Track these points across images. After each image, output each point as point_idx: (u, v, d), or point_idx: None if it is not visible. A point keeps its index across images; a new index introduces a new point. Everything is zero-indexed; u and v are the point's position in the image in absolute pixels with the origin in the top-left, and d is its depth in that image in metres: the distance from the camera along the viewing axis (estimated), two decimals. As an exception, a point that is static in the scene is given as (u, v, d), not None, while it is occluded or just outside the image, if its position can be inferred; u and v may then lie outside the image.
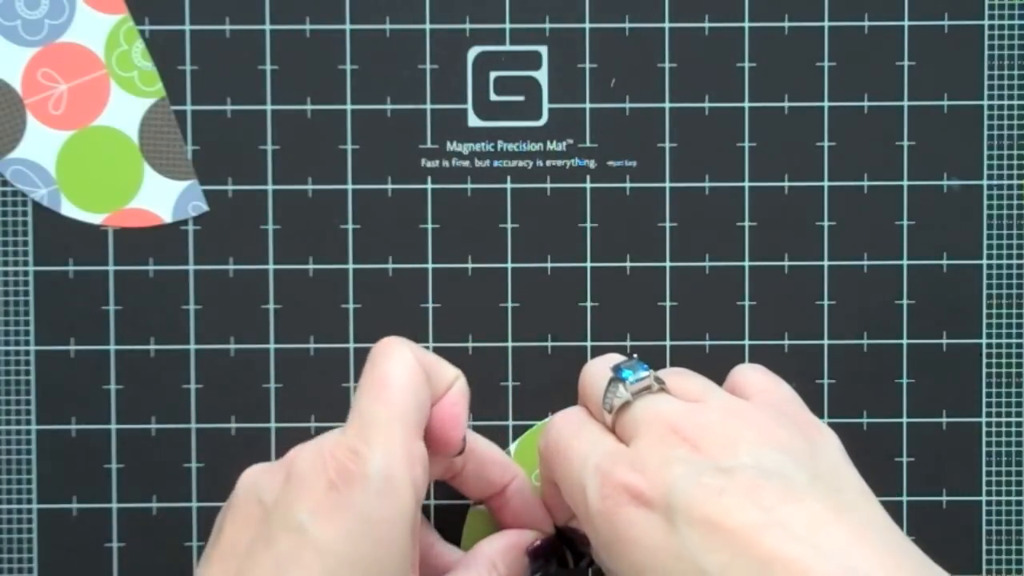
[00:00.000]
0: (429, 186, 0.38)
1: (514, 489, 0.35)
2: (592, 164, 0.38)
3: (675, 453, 0.29)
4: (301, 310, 0.38)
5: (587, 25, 0.38)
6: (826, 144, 0.38)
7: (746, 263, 0.38)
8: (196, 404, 0.38)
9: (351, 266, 0.38)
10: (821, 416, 0.38)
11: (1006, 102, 0.38)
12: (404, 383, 0.30)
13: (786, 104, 0.38)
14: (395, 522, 0.28)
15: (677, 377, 0.33)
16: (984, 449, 0.38)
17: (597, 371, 0.33)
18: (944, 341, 0.38)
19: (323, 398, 0.38)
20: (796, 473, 0.28)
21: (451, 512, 0.38)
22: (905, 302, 0.38)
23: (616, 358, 0.34)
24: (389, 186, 0.38)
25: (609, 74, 0.38)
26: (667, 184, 0.38)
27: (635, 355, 0.33)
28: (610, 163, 0.38)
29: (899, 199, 0.38)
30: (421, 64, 0.38)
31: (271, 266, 0.38)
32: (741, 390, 0.33)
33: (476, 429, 0.38)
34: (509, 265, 0.38)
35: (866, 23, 0.38)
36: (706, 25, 0.38)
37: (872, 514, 0.28)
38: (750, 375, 0.34)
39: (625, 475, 0.29)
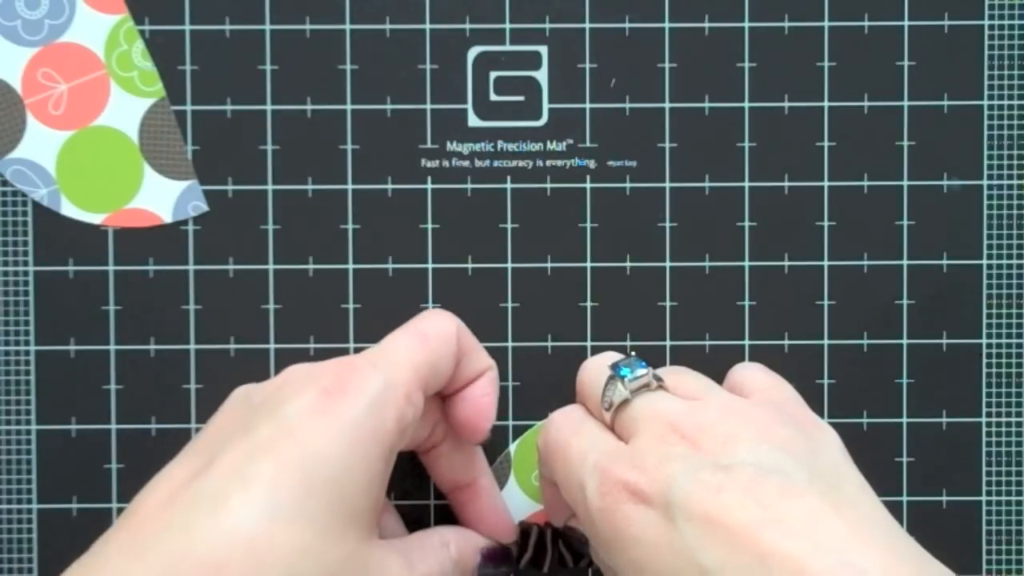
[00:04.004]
0: (429, 186, 0.38)
1: (483, 486, 0.35)
2: (592, 164, 0.38)
3: (674, 451, 0.29)
4: (301, 310, 0.38)
5: (587, 25, 0.38)
6: (826, 144, 0.38)
7: (746, 263, 0.38)
8: (196, 404, 0.38)
9: (351, 266, 0.38)
10: (821, 416, 0.38)
11: (1006, 102, 0.38)
12: (432, 340, 0.31)
13: (786, 104, 0.38)
14: (375, 443, 0.29)
15: (676, 375, 0.33)
16: (984, 449, 0.38)
17: (595, 369, 0.34)
18: (944, 341, 0.38)
19: (323, 398, 0.38)
20: (795, 470, 0.28)
21: (451, 512, 0.38)
22: (905, 302, 0.38)
23: (614, 356, 0.34)
24: (389, 186, 0.38)
25: (609, 74, 0.38)
26: (667, 184, 0.38)
27: (633, 353, 0.33)
28: (610, 163, 0.38)
29: (899, 199, 0.38)
30: (421, 64, 0.38)
31: (271, 266, 0.38)
32: (740, 388, 0.33)
33: (476, 429, 0.38)
34: (509, 265, 0.38)
35: (866, 23, 0.38)
36: (706, 25, 0.38)
37: (872, 510, 0.28)
38: (749, 373, 0.34)
39: (624, 472, 0.29)
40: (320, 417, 0.28)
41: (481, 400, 0.33)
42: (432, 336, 0.32)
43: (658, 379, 0.32)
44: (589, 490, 0.30)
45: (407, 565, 0.30)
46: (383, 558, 0.29)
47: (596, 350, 0.38)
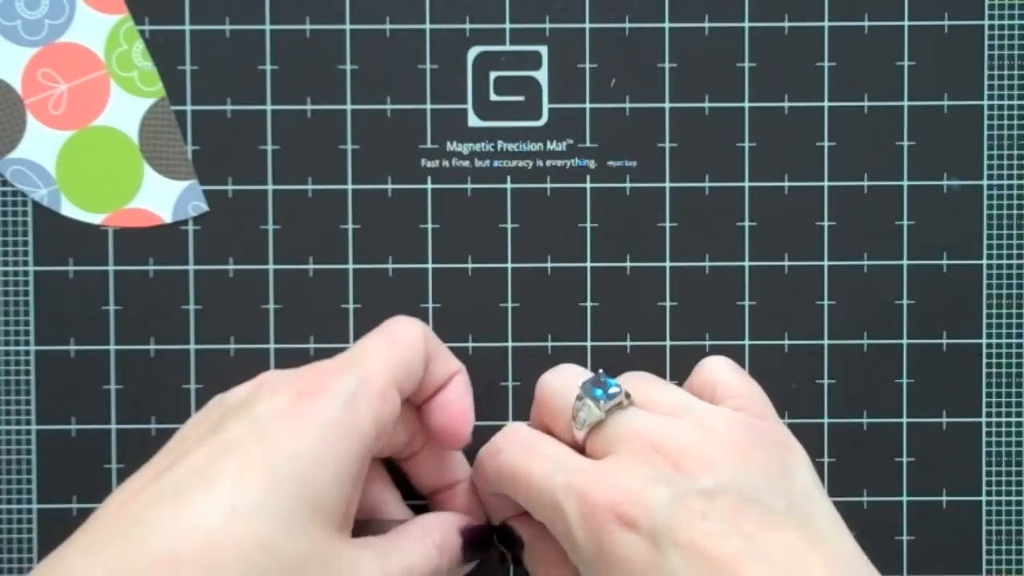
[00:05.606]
0: (429, 186, 0.38)
1: (462, 488, 0.35)
2: (592, 164, 0.38)
3: (657, 473, 0.29)
4: (301, 310, 0.38)
5: (587, 25, 0.38)
6: (826, 144, 0.38)
7: (746, 263, 0.38)
8: (195, 404, 0.38)
9: (351, 266, 0.38)
10: (821, 416, 0.38)
11: (1006, 102, 0.38)
12: (401, 342, 0.32)
13: (786, 104, 0.38)
14: (348, 441, 0.29)
15: (643, 386, 0.32)
16: (984, 449, 0.38)
17: (559, 386, 0.33)
18: (944, 341, 0.38)
19: (323, 398, 0.38)
20: (773, 499, 0.29)
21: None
22: (905, 302, 0.38)
23: (578, 372, 0.34)
24: (389, 186, 0.38)
25: (609, 74, 0.38)
26: (667, 184, 0.38)
27: (601, 370, 0.33)
28: (610, 163, 0.38)
29: (899, 199, 0.38)
30: (421, 64, 0.38)
31: (271, 266, 0.38)
32: (711, 389, 0.33)
33: (476, 429, 0.38)
34: (509, 265, 0.38)
35: (866, 23, 0.38)
36: (706, 25, 0.38)
37: (843, 545, 0.29)
38: (719, 373, 0.33)
39: (606, 494, 0.29)
40: (292, 418, 0.28)
41: (455, 404, 0.33)
42: (401, 338, 0.32)
43: (628, 396, 0.32)
44: (570, 513, 0.29)
45: (381, 560, 0.30)
46: (353, 555, 0.29)
47: (596, 350, 0.38)
